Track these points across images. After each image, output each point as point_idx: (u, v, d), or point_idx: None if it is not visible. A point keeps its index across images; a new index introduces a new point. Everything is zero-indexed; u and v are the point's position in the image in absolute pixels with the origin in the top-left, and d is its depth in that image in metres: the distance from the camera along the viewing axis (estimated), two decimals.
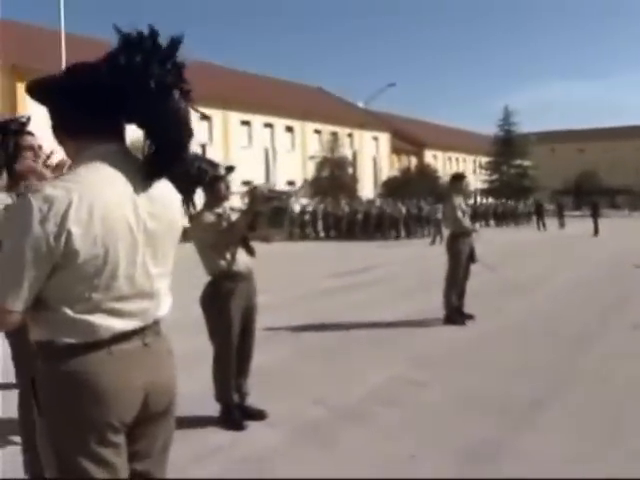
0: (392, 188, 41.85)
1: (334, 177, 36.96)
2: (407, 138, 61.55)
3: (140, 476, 2.02)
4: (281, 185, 43.58)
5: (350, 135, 50.24)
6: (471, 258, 8.38)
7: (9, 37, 33.53)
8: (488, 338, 7.43)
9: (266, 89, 47.93)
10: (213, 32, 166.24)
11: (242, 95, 43.98)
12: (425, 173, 48.60)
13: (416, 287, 11.25)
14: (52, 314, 1.82)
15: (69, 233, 1.74)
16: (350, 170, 39.67)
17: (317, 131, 48.56)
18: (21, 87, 31.06)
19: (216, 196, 4.57)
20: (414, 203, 31.13)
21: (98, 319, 1.83)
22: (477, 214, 38.40)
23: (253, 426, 4.59)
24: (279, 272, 15.82)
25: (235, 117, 43.84)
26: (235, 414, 4.62)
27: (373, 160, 54.07)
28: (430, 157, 62.94)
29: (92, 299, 1.82)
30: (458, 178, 8.69)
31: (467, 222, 8.28)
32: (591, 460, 3.92)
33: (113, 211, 1.82)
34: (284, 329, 8.18)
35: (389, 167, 56.08)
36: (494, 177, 59.01)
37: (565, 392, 5.30)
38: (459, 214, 8.18)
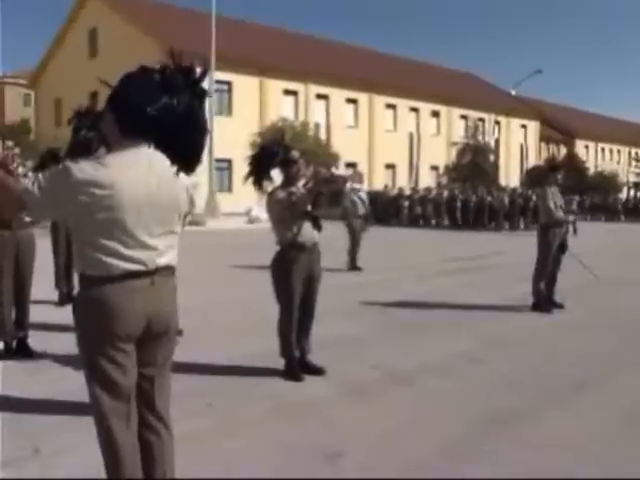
0: (534, 178, 40.86)
1: (475, 164, 36.70)
2: (557, 126, 59.60)
3: (146, 378, 2.75)
4: (426, 170, 43.92)
5: (497, 122, 49.39)
6: (562, 249, 8.54)
7: (165, 21, 35.87)
8: (568, 327, 7.59)
9: (413, 73, 48.07)
10: (360, 15, 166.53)
11: (388, 79, 44.42)
12: (572, 163, 46.95)
13: (522, 275, 11.35)
14: (83, 255, 2.56)
15: (92, 197, 2.44)
16: (492, 157, 39.17)
17: (463, 117, 48.18)
18: None
19: (289, 177, 5.23)
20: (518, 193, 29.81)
21: (112, 260, 2.53)
22: (607, 208, 36.79)
23: (310, 379, 5.24)
24: (397, 255, 16.39)
25: (381, 100, 44.42)
26: (295, 367, 5.28)
27: (520, 148, 52.84)
28: (581, 147, 60.65)
29: (108, 246, 2.52)
30: (553, 169, 8.83)
31: (559, 213, 8.43)
32: (604, 442, 4.22)
33: (127, 187, 2.50)
34: (377, 304, 8.76)
35: (537, 156, 54.64)
36: None
37: (614, 381, 5.50)
38: (551, 205, 8.35)
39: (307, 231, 5.20)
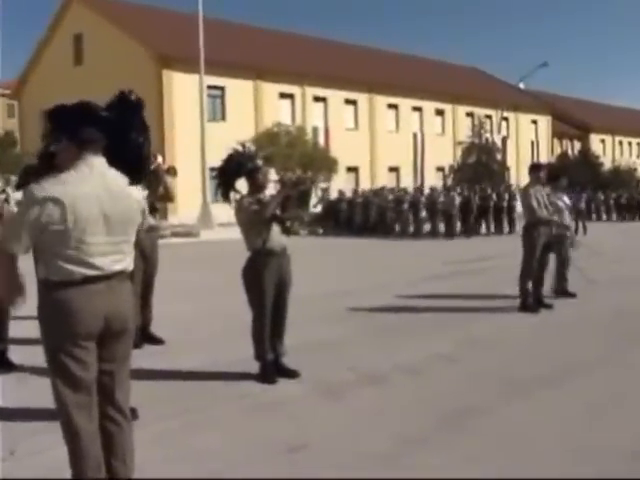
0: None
1: (481, 163, 37.14)
2: (570, 121, 59.92)
3: (106, 373, 3.24)
4: (431, 171, 44.34)
5: (505, 118, 49.72)
6: (548, 248, 8.98)
7: (154, 25, 36.45)
8: (551, 327, 8.05)
9: (415, 70, 48.55)
10: (357, 12, 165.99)
11: (389, 77, 44.90)
12: (586, 159, 47.39)
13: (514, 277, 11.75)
14: (46, 262, 3.05)
15: (53, 212, 2.94)
16: (499, 156, 39.60)
17: (469, 114, 48.63)
18: (167, 74, 33.95)
19: (255, 185, 5.72)
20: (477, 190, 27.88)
21: (72, 267, 3.03)
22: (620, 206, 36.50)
23: (284, 381, 5.70)
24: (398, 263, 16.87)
25: (382, 101, 44.89)
26: (269, 370, 5.74)
27: (531, 145, 53.26)
28: (597, 141, 60.90)
29: (68, 254, 3.02)
30: (536, 168, 9.29)
31: (543, 212, 8.87)
32: (558, 434, 4.66)
33: (82, 201, 3.01)
34: (363, 310, 9.21)
35: (549, 153, 55.05)
36: None
37: (579, 378, 5.90)
38: (534, 204, 8.80)
39: (276, 236, 5.68)
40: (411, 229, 26.20)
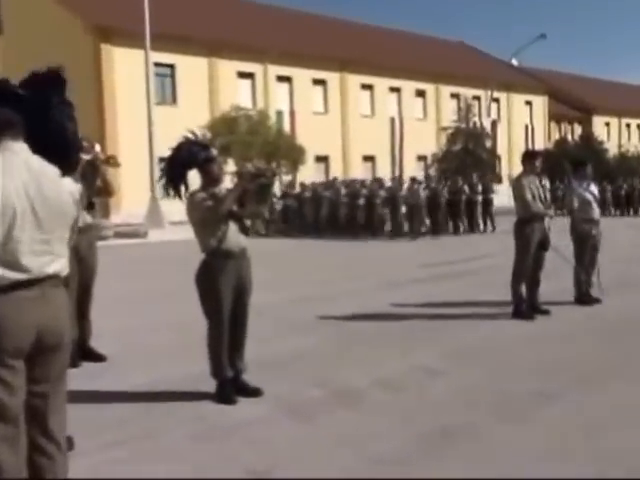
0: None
1: (468, 151, 37.32)
2: (570, 101, 60.50)
3: (39, 396, 3.18)
4: (412, 161, 44.53)
5: (496, 100, 50.10)
6: (543, 246, 9.07)
7: None
8: (547, 336, 8.12)
9: (392, 46, 48.71)
10: None
11: (363, 54, 45.01)
12: (588, 145, 47.93)
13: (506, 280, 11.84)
14: None
15: None
16: (488, 143, 39.82)
17: (454, 95, 48.88)
18: (106, 49, 33.67)
19: (210, 177, 5.72)
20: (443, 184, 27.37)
21: None
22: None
23: (244, 401, 5.71)
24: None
25: (355, 80, 45.03)
26: (227, 389, 5.75)
27: (525, 129, 53.76)
28: (600, 125, 61.53)
29: None
30: (530, 156, 9.39)
31: (537, 206, 8.97)
32: (555, 459, 4.71)
33: (9, 196, 2.98)
34: (337, 318, 9.25)
35: (545, 138, 55.58)
36: None
37: (577, 394, 5.96)
38: (528, 196, 8.88)
39: (233, 236, 5.69)
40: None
